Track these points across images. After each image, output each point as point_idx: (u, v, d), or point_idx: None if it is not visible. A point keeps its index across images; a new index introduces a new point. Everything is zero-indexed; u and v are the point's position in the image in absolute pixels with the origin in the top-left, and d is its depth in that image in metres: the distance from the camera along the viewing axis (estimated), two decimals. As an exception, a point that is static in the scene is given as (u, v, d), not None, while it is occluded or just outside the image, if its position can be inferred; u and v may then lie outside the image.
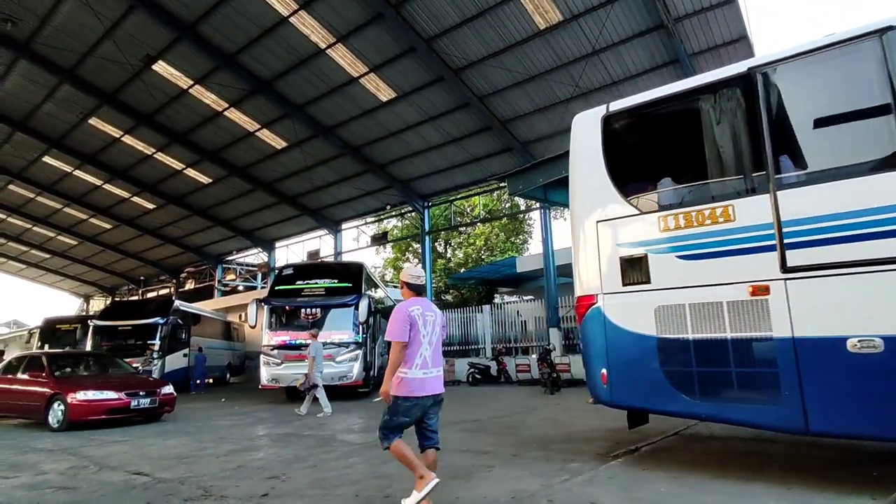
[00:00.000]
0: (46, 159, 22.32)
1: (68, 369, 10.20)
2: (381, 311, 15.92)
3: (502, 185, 18.82)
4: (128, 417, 9.07)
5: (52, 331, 20.21)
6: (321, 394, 10.00)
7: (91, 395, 8.71)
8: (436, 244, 32.78)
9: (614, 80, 14.12)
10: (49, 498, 4.30)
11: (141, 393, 9.19)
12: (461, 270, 30.56)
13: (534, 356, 16.29)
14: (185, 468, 5.29)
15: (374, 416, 9.52)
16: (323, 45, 14.33)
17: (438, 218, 28.60)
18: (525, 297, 24.33)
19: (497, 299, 26.89)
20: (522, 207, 27.67)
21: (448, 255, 34.43)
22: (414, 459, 3.48)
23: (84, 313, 35.89)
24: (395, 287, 29.99)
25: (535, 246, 33.70)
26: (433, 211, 25.03)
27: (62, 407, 8.54)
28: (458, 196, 24.16)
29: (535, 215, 27.81)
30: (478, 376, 16.54)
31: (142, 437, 7.60)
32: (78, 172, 23.16)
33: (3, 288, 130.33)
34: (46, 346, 19.18)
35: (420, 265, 3.71)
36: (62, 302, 45.80)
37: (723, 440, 5.86)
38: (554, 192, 11.61)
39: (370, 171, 19.80)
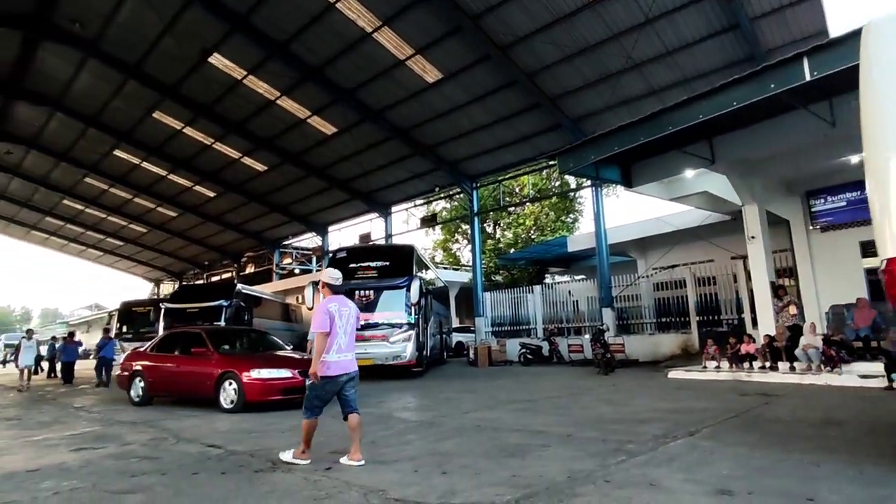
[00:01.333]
0: (117, 152, 23.75)
1: (226, 346, 9.56)
2: (432, 293, 16.11)
3: (552, 163, 18.45)
4: (300, 398, 8.55)
5: (128, 313, 21.67)
6: None
7: (266, 373, 7.96)
8: (485, 225, 32.69)
9: (669, 49, 13.45)
10: (135, 467, 4.68)
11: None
12: (511, 251, 30.40)
13: (587, 336, 16.10)
14: (253, 442, 5.62)
15: (428, 395, 9.74)
16: (369, 29, 14.38)
17: (487, 198, 28.45)
18: (576, 277, 24.00)
19: (548, 279, 26.64)
20: (573, 186, 27.13)
21: (497, 236, 34.29)
22: (309, 438, 4.53)
23: (155, 296, 38.30)
24: (444, 268, 30.26)
25: (585, 225, 33.04)
26: (482, 192, 24.90)
27: (235, 386, 7.92)
28: (507, 176, 23.93)
29: (587, 193, 27.15)
30: (529, 356, 16.53)
31: (209, 411, 8.08)
32: (145, 164, 24.53)
33: (85, 274, 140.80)
34: (124, 328, 20.62)
35: (337, 269, 4.52)
36: (136, 286, 48.96)
37: (787, 423, 5.64)
38: (606, 169, 11.34)
39: (418, 154, 19.89)
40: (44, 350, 19.56)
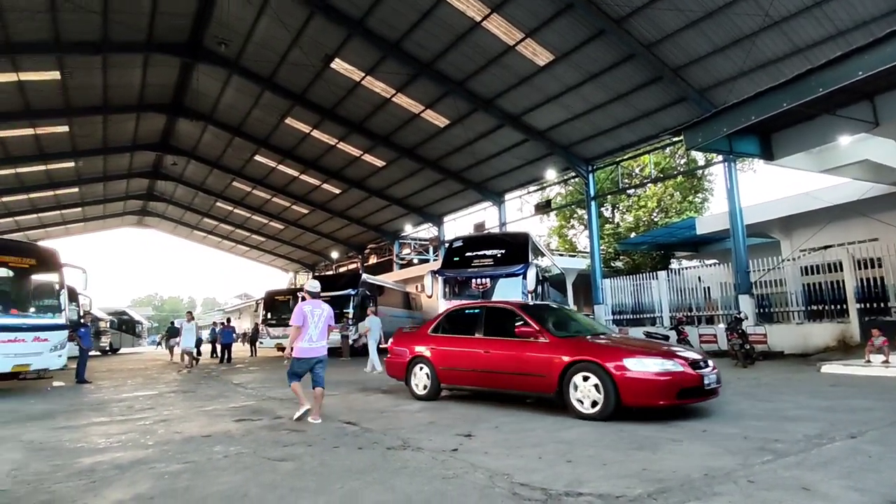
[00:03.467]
0: (257, 157, 26.50)
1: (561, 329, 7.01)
2: (548, 280, 15.86)
3: (676, 139, 17.18)
4: (694, 401, 5.80)
5: (271, 301, 24.14)
6: (374, 355, 12.54)
7: (650, 364, 5.51)
8: (602, 209, 31.38)
9: (817, 0, 11.76)
10: (286, 438, 5.25)
11: (701, 363, 5.85)
12: (631, 235, 28.88)
13: (720, 325, 14.83)
14: (385, 421, 6.02)
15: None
16: (478, 18, 14.42)
17: (604, 181, 27.25)
18: (707, 262, 22.16)
19: (674, 264, 24.93)
20: (701, 163, 25.01)
21: (616, 220, 32.76)
22: (301, 394, 6.10)
23: (293, 286, 42.23)
24: (560, 255, 29.62)
25: (716, 205, 30.36)
26: (598, 175, 23.92)
27: (596, 382, 5.65)
28: (626, 156, 22.65)
29: (717, 170, 24.88)
30: (655, 346, 15.62)
31: (347, 392, 8.77)
32: (280, 167, 27.07)
33: (235, 267, 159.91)
34: (269, 314, 22.97)
35: (316, 279, 6.96)
36: (276, 277, 54.36)
37: None
38: (741, 142, 10.29)
39: (530, 140, 19.61)
40: (205, 334, 22.52)
